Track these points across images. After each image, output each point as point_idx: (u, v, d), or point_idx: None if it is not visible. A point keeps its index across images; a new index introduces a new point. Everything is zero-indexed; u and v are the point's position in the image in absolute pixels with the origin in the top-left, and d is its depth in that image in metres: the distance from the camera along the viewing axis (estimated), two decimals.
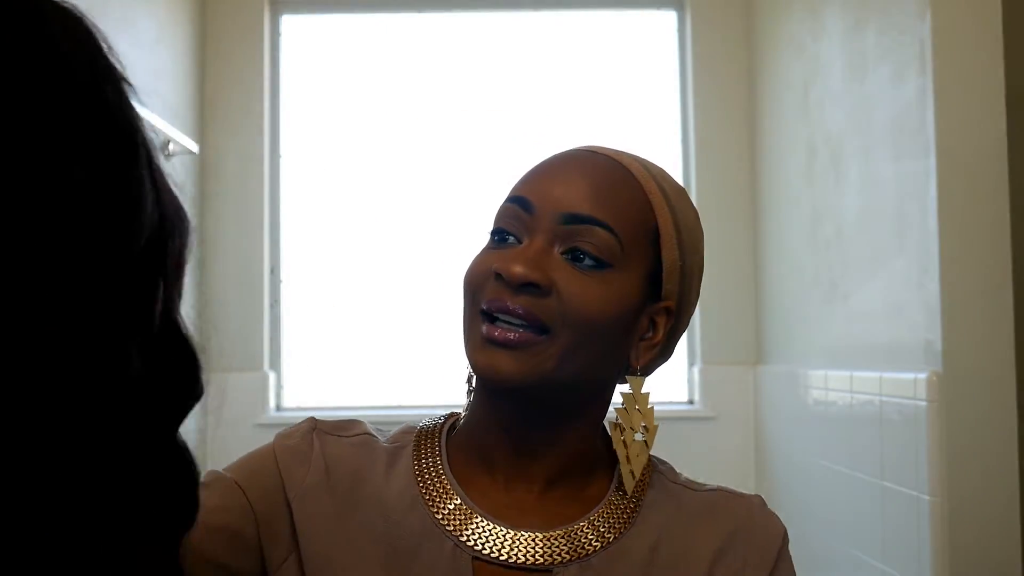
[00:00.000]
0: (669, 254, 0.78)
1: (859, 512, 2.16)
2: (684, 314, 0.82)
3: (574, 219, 0.75)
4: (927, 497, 1.82)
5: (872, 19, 2.16)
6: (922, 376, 1.85)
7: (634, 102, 3.18)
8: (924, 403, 1.84)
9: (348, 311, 3.13)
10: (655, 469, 0.83)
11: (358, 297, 3.13)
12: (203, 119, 3.04)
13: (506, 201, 0.79)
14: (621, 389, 0.80)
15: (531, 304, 0.72)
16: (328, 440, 0.82)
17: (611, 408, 0.82)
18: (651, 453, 0.81)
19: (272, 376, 3.08)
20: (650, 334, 0.79)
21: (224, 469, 0.79)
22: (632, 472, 0.78)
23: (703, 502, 0.81)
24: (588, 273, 0.74)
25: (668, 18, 3.21)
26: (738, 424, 3.00)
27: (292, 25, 3.23)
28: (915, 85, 1.92)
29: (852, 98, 2.28)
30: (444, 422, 0.85)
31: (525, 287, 0.73)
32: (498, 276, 0.74)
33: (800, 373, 2.59)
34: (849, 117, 2.30)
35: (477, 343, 0.74)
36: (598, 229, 0.74)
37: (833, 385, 2.35)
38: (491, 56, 3.21)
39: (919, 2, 1.90)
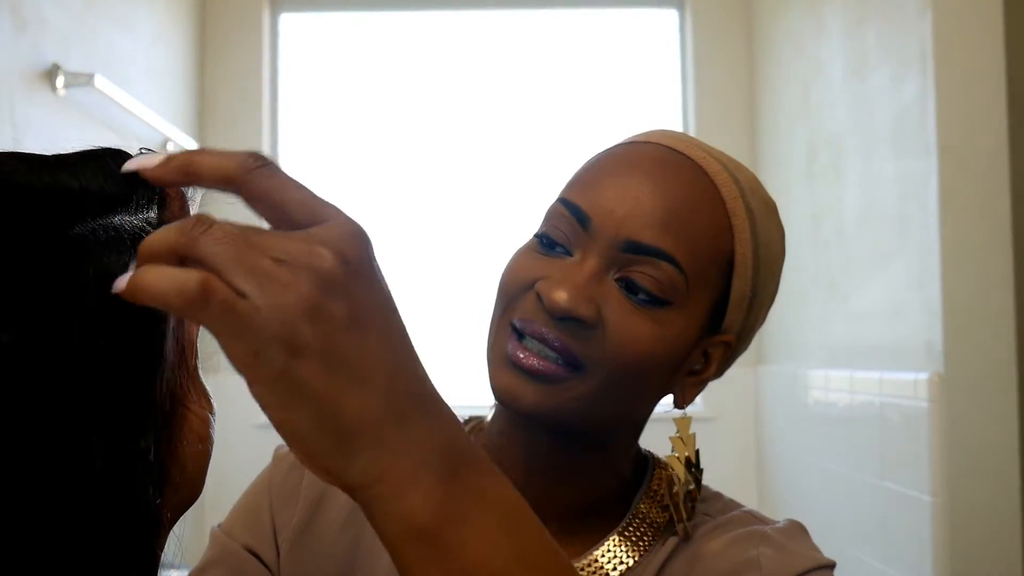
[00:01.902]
0: (740, 286, 0.67)
1: (859, 512, 2.16)
2: (745, 344, 0.72)
3: (636, 248, 0.63)
4: (928, 498, 1.82)
5: (872, 19, 2.16)
6: (923, 376, 1.85)
7: (634, 101, 3.18)
8: (925, 404, 1.84)
9: None
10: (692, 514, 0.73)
11: None
12: (202, 118, 3.03)
13: (560, 202, 0.67)
14: (669, 434, 0.71)
15: (570, 340, 0.63)
16: None
17: (645, 433, 0.75)
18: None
19: None
20: (699, 367, 0.69)
21: (226, 522, 0.75)
22: (686, 528, 0.69)
23: (720, 525, 0.72)
24: (642, 309, 0.63)
25: (668, 17, 3.21)
26: (738, 424, 3.00)
27: (291, 24, 3.22)
28: (915, 85, 1.91)
29: (852, 98, 2.27)
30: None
31: (568, 320, 0.63)
32: (539, 297, 0.64)
33: (800, 373, 2.59)
34: (849, 117, 2.29)
35: (500, 359, 0.65)
36: (663, 263, 0.63)
37: (833, 385, 2.35)
38: (491, 54, 3.20)
39: (919, 2, 1.89)
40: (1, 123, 1.79)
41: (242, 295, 0.34)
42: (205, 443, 0.50)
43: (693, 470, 0.70)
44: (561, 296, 0.62)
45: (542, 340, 0.63)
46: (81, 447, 0.42)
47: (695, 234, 0.64)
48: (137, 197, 0.45)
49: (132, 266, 0.35)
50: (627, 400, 0.66)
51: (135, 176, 0.45)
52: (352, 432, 0.36)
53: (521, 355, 0.63)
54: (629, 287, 0.64)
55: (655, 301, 0.64)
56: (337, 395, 0.36)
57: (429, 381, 0.40)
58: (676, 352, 0.65)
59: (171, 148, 2.66)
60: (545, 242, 0.67)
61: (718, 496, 0.75)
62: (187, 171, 0.38)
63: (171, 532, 0.50)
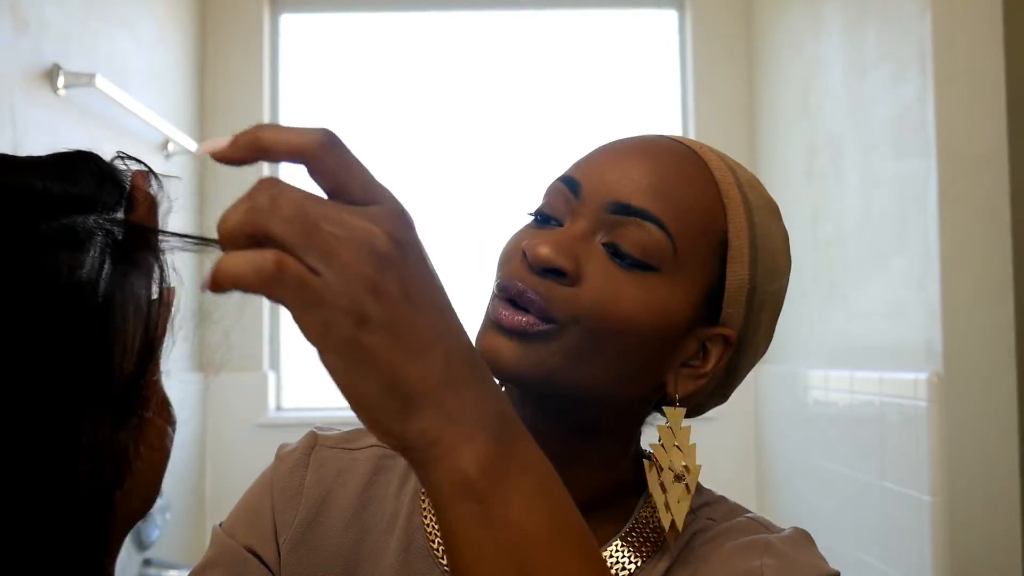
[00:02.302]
0: (736, 272, 0.66)
1: (859, 512, 2.16)
2: (748, 350, 0.70)
3: (623, 209, 0.64)
4: (928, 497, 1.82)
5: (872, 19, 2.16)
6: (923, 376, 1.85)
7: (634, 102, 3.18)
8: (924, 403, 1.84)
9: None
10: (694, 516, 0.72)
11: None
12: (203, 119, 3.04)
13: (555, 180, 0.69)
14: (658, 422, 0.69)
15: (546, 291, 0.63)
16: (329, 457, 0.76)
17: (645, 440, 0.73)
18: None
19: (272, 376, 3.08)
20: (697, 362, 0.68)
21: (227, 521, 0.76)
22: (674, 522, 0.66)
23: (723, 532, 0.70)
24: (628, 272, 0.63)
25: (668, 18, 3.21)
26: (738, 424, 3.00)
27: (292, 24, 3.22)
28: (915, 85, 1.91)
29: (852, 98, 2.27)
30: None
31: (549, 272, 0.63)
32: (524, 255, 0.65)
33: (800, 373, 2.59)
34: (849, 117, 2.30)
35: (486, 324, 0.66)
36: (649, 225, 0.63)
37: (833, 385, 2.35)
38: (491, 55, 3.20)
39: (919, 2, 1.89)
40: (1, 123, 1.79)
41: (313, 271, 0.38)
42: (160, 452, 0.51)
43: (683, 465, 0.67)
44: (542, 248, 0.63)
45: (519, 294, 0.63)
46: (29, 444, 0.42)
47: (684, 205, 0.65)
48: (104, 198, 0.46)
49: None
50: (613, 367, 0.64)
51: (102, 177, 0.46)
52: (414, 397, 0.40)
53: (504, 313, 0.64)
54: (615, 252, 0.64)
55: (640, 265, 0.63)
56: (400, 362, 0.40)
57: (477, 354, 0.43)
58: (662, 323, 0.64)
59: (171, 148, 2.66)
60: (540, 218, 0.69)
61: (722, 500, 0.74)
62: (256, 147, 0.41)
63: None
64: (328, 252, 0.38)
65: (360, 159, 0.42)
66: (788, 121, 2.77)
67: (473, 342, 0.44)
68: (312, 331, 0.39)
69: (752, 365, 0.72)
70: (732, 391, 0.73)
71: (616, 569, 0.68)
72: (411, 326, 0.40)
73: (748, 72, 3.11)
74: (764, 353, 0.73)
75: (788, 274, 0.72)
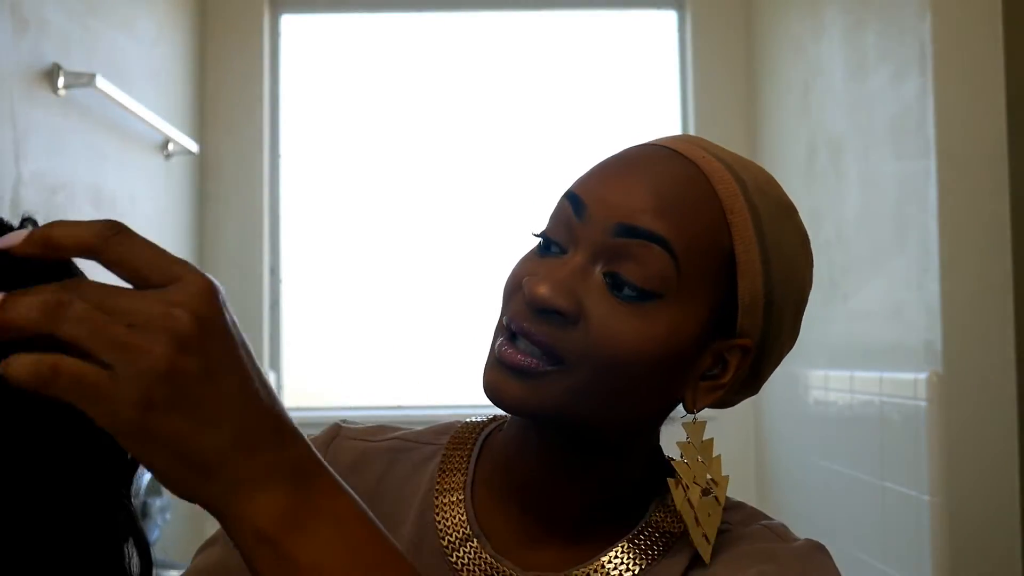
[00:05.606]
0: (749, 286, 0.65)
1: (859, 512, 2.16)
2: (772, 351, 0.70)
3: (628, 232, 0.63)
4: (927, 497, 1.82)
5: (872, 19, 2.16)
6: (922, 376, 1.85)
7: (634, 102, 3.18)
8: (924, 403, 1.84)
9: (348, 311, 3.13)
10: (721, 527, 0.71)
11: (358, 297, 3.13)
12: (203, 119, 3.04)
13: (562, 196, 0.68)
14: (677, 439, 0.69)
15: (550, 333, 0.63)
16: (347, 447, 0.77)
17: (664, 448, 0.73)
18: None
19: (272, 376, 3.08)
20: (716, 371, 0.67)
21: None
22: (706, 536, 0.66)
23: (734, 539, 0.70)
24: (628, 304, 0.63)
25: (668, 18, 3.21)
26: (738, 424, 3.00)
27: (292, 25, 3.23)
28: (915, 85, 1.92)
29: (852, 98, 2.27)
30: (485, 427, 0.78)
31: (547, 313, 0.63)
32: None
33: (800, 373, 2.59)
34: (849, 117, 2.30)
35: (491, 358, 0.66)
36: (654, 247, 0.62)
37: (833, 385, 2.35)
38: (491, 56, 3.21)
39: (919, 2, 1.89)
40: (1, 123, 1.79)
41: (107, 366, 0.39)
42: None
43: (709, 479, 0.67)
44: (540, 289, 0.62)
45: (526, 335, 0.64)
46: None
47: (688, 223, 0.64)
48: None
49: None
50: (619, 398, 0.65)
51: None
52: (207, 464, 0.42)
53: (507, 350, 0.64)
54: (615, 282, 0.63)
55: (642, 295, 0.63)
56: (191, 436, 0.41)
57: (282, 413, 0.46)
58: (671, 350, 0.64)
59: (172, 148, 2.66)
60: (544, 243, 0.68)
61: (740, 506, 0.74)
62: (47, 244, 0.41)
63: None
64: (119, 344, 0.39)
65: (150, 242, 0.43)
66: (788, 121, 2.77)
67: (280, 402, 0.46)
68: (99, 420, 0.40)
69: (779, 361, 0.72)
70: (763, 383, 0.73)
71: (620, 571, 0.68)
72: (204, 401, 0.41)
73: (748, 72, 3.11)
74: (791, 347, 0.73)
75: (810, 269, 0.71)
